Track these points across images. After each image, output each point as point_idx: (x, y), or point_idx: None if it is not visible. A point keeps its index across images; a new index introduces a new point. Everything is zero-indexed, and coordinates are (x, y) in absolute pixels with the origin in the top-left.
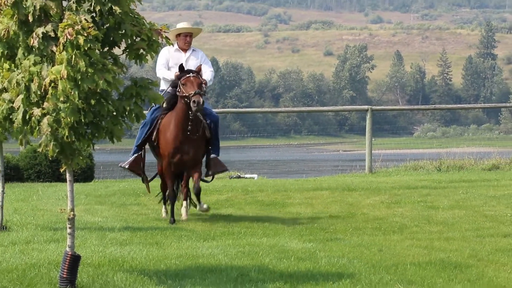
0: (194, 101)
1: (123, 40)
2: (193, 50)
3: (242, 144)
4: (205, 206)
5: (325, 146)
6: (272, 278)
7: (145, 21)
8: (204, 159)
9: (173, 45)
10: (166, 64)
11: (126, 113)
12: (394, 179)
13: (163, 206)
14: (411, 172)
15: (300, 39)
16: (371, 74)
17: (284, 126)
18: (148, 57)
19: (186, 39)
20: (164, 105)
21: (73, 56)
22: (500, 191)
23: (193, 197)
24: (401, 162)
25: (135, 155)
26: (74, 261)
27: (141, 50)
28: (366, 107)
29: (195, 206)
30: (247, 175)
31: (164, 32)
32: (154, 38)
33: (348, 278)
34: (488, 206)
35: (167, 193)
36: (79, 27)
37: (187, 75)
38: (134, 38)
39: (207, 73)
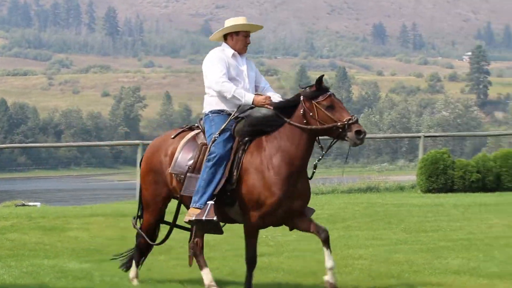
0: (359, 132)
1: None
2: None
3: (27, 176)
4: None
5: (102, 177)
6: None
7: None
8: None
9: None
10: (228, 73)
11: None
12: None
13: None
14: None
15: (80, 82)
16: (144, 112)
17: (65, 159)
18: None
19: (247, 40)
20: (237, 128)
21: None
22: None
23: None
24: None
25: (211, 202)
26: None
27: None
28: (138, 142)
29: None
30: (31, 203)
31: None
32: None
33: None
34: None
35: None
36: None
37: (328, 93)
38: None
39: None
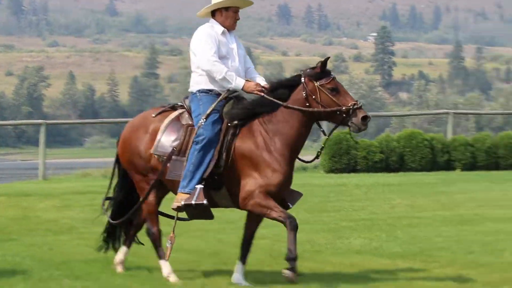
0: (365, 117)
1: None
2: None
3: None
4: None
5: (5, 156)
6: None
7: None
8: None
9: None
10: (218, 51)
11: None
12: (66, 185)
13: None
14: (81, 179)
15: None
16: (47, 92)
17: None
18: None
19: (236, 16)
20: (226, 110)
21: None
22: None
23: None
24: (72, 170)
25: (200, 186)
26: None
27: None
28: (41, 121)
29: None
30: None
31: None
32: None
33: (21, 274)
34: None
35: None
36: None
37: (332, 76)
38: None
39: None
